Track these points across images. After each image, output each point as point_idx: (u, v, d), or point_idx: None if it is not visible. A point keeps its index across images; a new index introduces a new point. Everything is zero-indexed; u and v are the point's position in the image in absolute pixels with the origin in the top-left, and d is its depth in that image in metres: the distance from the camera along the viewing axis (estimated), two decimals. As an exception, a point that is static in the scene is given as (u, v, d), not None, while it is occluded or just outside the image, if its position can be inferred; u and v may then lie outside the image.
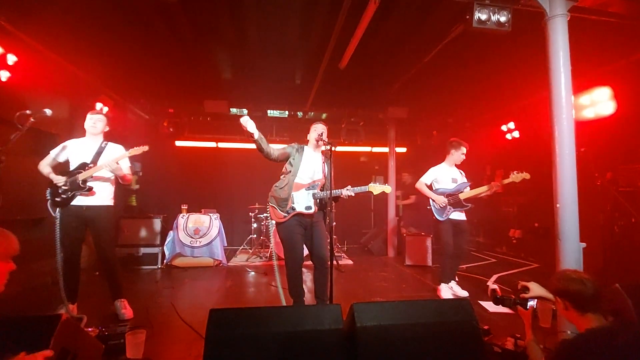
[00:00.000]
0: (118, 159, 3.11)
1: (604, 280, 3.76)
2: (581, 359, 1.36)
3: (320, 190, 3.13)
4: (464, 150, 4.05)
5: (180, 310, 3.31)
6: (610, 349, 1.35)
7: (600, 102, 4.49)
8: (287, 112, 7.32)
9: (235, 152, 7.76)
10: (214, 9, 3.95)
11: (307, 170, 3.14)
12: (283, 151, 3.14)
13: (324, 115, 7.34)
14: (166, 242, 5.40)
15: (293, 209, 3.04)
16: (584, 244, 2.70)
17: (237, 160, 7.70)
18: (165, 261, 5.37)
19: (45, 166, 3.13)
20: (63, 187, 3.05)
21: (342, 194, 3.03)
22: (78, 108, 5.07)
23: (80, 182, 3.05)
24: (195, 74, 5.64)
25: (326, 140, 2.97)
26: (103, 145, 3.24)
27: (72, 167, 3.15)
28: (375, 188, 3.08)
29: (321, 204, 3.14)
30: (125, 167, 3.24)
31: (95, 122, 3.21)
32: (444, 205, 3.99)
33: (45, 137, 4.62)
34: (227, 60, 5.33)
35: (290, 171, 3.11)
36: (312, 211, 3.05)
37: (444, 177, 4.10)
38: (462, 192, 3.98)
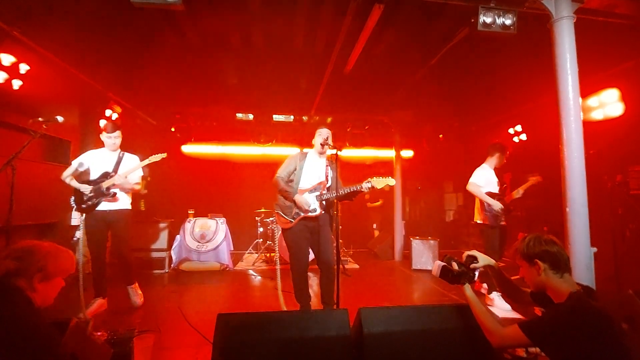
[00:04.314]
0: (130, 171, 3.43)
1: (616, 286, 3.70)
2: (577, 323, 1.35)
3: (323, 192, 3.11)
4: (507, 154, 3.99)
5: (188, 315, 3.32)
6: (595, 310, 1.36)
7: (608, 104, 4.43)
8: (292, 117, 7.34)
9: (241, 156, 7.78)
10: (220, 16, 4.01)
11: (310, 176, 3.14)
12: (288, 171, 3.17)
13: (329, 120, 7.35)
14: (173, 247, 5.42)
15: (298, 213, 3.05)
16: (594, 249, 2.65)
17: (243, 164, 7.73)
18: (172, 265, 5.40)
19: (68, 176, 3.38)
20: (88, 195, 3.34)
21: (361, 188, 2.95)
22: (88, 115, 5.18)
23: (105, 189, 3.37)
24: (202, 80, 5.70)
25: (331, 144, 2.98)
26: (121, 155, 3.55)
27: (93, 177, 3.44)
28: (379, 182, 2.98)
29: (326, 205, 3.14)
30: (136, 177, 3.55)
31: (115, 140, 3.49)
32: (501, 211, 3.77)
33: (57, 144, 4.72)
34: (233, 66, 5.38)
35: (293, 180, 3.14)
36: (317, 213, 3.05)
37: (493, 179, 3.93)
38: (506, 195, 3.91)
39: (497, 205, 3.75)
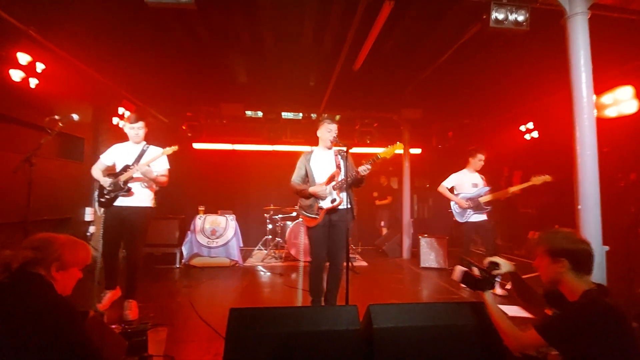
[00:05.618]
0: (149, 161, 3.23)
1: (628, 285, 3.64)
2: (591, 320, 1.36)
3: (338, 180, 3.13)
4: (480, 157, 4.31)
5: (199, 309, 3.38)
6: (608, 307, 1.37)
7: (622, 101, 4.35)
8: (301, 114, 7.37)
9: (250, 154, 7.88)
10: (230, 14, 4.04)
11: (322, 171, 3.18)
12: (300, 175, 3.23)
13: (337, 117, 7.35)
14: (184, 242, 5.52)
15: (321, 207, 3.09)
16: (607, 247, 2.62)
17: (252, 162, 7.81)
18: (183, 261, 5.49)
19: (96, 170, 3.31)
20: (107, 189, 3.21)
21: (359, 173, 2.99)
22: (101, 113, 5.28)
23: (122, 183, 3.21)
24: (212, 78, 5.76)
25: (338, 142, 3.01)
26: (145, 148, 3.35)
27: (117, 170, 3.32)
28: (387, 152, 3.02)
29: (346, 194, 3.13)
30: (162, 169, 3.35)
31: (137, 131, 3.31)
32: (465, 207, 4.23)
33: (71, 141, 4.83)
34: (242, 63, 5.43)
35: (307, 181, 3.19)
36: (338, 202, 3.07)
37: (466, 182, 4.38)
38: (482, 196, 4.22)
39: (461, 201, 4.27)
